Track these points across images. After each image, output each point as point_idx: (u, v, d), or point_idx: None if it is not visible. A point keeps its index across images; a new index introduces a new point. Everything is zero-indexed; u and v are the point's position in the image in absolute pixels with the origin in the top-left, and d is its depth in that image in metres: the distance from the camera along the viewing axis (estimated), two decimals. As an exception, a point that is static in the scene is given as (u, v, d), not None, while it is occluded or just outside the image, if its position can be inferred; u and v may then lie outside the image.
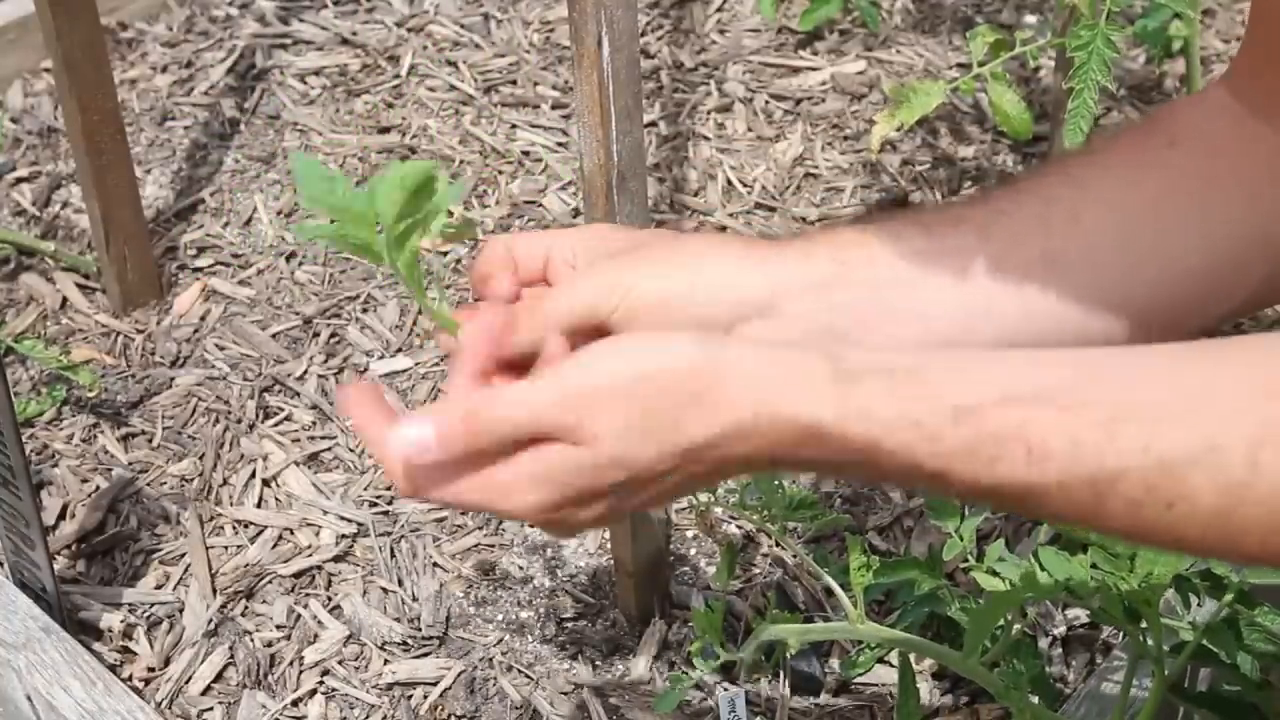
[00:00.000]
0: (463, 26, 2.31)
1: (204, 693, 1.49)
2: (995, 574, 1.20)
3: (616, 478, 0.79)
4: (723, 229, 1.97)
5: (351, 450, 1.71)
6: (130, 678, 1.50)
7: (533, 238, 0.91)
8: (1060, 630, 1.49)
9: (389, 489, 1.67)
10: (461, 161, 2.08)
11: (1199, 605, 1.21)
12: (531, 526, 0.80)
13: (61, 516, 1.66)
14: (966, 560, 1.29)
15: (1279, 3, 0.92)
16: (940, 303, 0.89)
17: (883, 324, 0.89)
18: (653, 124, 2.11)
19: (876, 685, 1.46)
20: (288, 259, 1.96)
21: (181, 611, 1.56)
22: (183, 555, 1.61)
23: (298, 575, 1.59)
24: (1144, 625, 1.15)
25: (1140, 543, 0.77)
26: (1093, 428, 0.73)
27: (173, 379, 1.80)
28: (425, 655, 1.51)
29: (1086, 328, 0.90)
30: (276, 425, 1.74)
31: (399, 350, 1.83)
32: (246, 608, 1.56)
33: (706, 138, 2.10)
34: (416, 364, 1.81)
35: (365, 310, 1.88)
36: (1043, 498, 0.75)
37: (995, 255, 0.89)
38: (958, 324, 0.89)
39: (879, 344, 0.88)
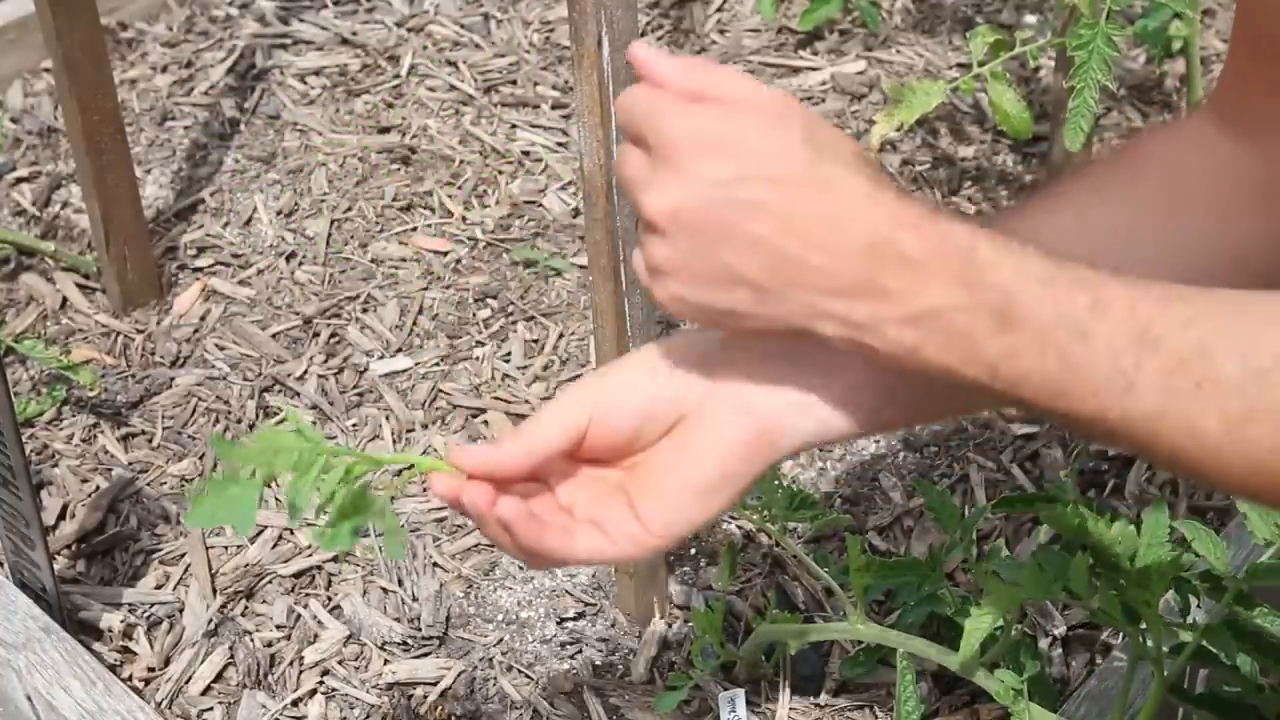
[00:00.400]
0: (463, 26, 2.31)
1: (204, 693, 1.49)
2: (995, 574, 1.20)
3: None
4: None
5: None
6: (130, 678, 1.50)
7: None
8: (1060, 630, 1.49)
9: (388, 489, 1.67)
10: (461, 161, 2.08)
11: (1199, 606, 1.21)
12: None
13: (61, 516, 1.66)
14: (966, 560, 1.29)
15: (1261, 28, 0.93)
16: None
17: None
18: (653, 124, 2.11)
19: (876, 685, 1.46)
20: (288, 259, 1.96)
21: (181, 611, 1.56)
22: (183, 555, 1.61)
23: (298, 575, 1.59)
24: (1143, 626, 1.15)
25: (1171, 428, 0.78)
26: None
27: (173, 379, 1.80)
28: (425, 655, 1.51)
29: None
30: (276, 425, 1.74)
31: (399, 350, 1.83)
32: (246, 608, 1.56)
33: (706, 138, 2.10)
34: (416, 364, 1.81)
35: (365, 310, 1.88)
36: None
37: None
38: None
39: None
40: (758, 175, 0.78)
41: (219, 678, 1.50)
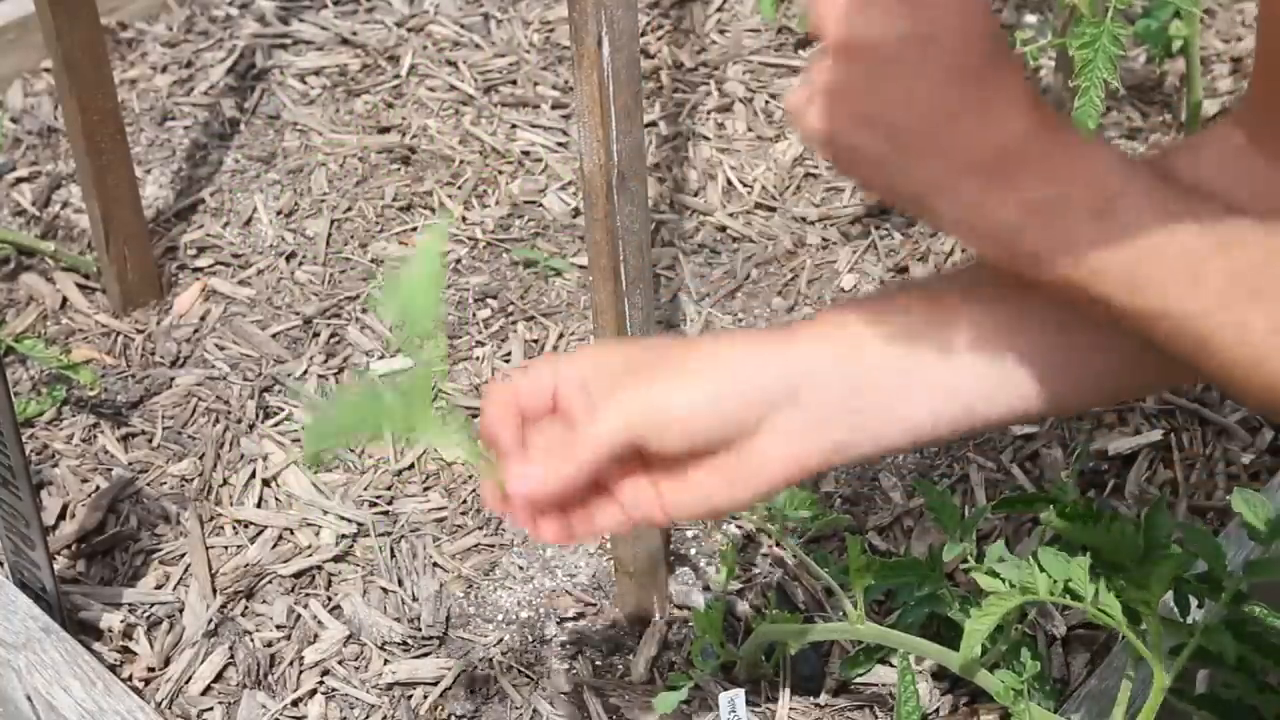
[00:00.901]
0: (463, 26, 2.31)
1: (204, 693, 1.49)
2: (995, 574, 1.20)
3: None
4: (723, 229, 1.97)
5: (351, 450, 1.71)
6: (130, 678, 1.50)
7: (535, 376, 0.95)
8: (1060, 630, 1.49)
9: (389, 489, 1.67)
10: (461, 161, 2.08)
11: (1199, 606, 1.21)
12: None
13: (61, 516, 1.66)
14: (966, 560, 1.29)
15: None
16: (960, 369, 0.94)
17: (905, 393, 0.94)
18: (653, 124, 2.11)
19: (876, 685, 1.46)
20: (288, 259, 1.96)
21: (181, 611, 1.56)
22: (183, 555, 1.61)
23: (298, 575, 1.59)
24: (1143, 626, 1.15)
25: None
26: None
27: (173, 379, 1.80)
28: (425, 655, 1.51)
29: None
30: (276, 425, 1.74)
31: (399, 350, 1.83)
32: (246, 608, 1.56)
33: (706, 138, 2.10)
34: (417, 364, 1.81)
35: (365, 310, 1.88)
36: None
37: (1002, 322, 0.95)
38: (981, 391, 0.94)
39: (903, 415, 0.94)
40: (943, 44, 0.84)
41: (219, 678, 1.50)
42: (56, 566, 1.49)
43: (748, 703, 1.39)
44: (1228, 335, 0.82)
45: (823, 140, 0.88)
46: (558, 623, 1.54)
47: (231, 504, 1.66)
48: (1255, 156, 0.98)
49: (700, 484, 0.92)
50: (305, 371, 1.80)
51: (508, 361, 1.81)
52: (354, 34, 2.30)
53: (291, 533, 1.63)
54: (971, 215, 0.86)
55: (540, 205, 2.02)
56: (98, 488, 1.68)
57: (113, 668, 1.49)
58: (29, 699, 1.40)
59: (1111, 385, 0.98)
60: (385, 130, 2.13)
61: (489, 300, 1.89)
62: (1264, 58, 1.00)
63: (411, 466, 1.69)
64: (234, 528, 1.64)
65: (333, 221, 2.01)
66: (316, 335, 1.85)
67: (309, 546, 1.62)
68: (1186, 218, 0.83)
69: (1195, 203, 0.84)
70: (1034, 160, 0.85)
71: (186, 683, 1.50)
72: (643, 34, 2.26)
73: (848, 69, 0.86)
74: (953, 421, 0.94)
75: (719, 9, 2.33)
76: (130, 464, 1.71)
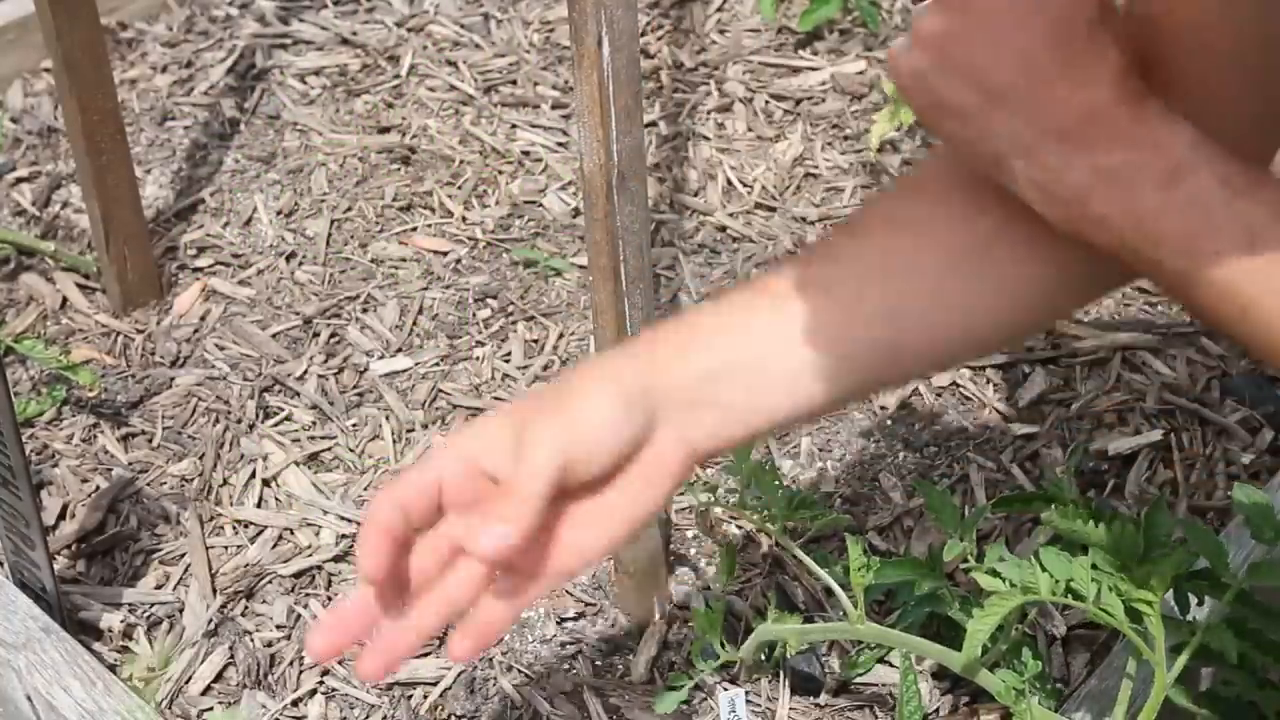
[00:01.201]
0: (463, 26, 2.31)
1: (204, 693, 1.49)
2: (995, 574, 1.20)
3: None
4: (723, 229, 1.97)
5: (351, 450, 1.71)
6: (130, 678, 1.50)
7: (414, 483, 0.90)
8: (1061, 630, 1.49)
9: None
10: (461, 161, 2.08)
11: (1199, 605, 1.21)
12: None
13: (61, 516, 1.66)
14: (966, 560, 1.29)
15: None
16: (813, 361, 0.95)
17: (771, 386, 0.95)
18: (653, 124, 2.11)
19: (876, 685, 1.46)
20: (288, 259, 1.96)
21: (181, 611, 1.56)
22: (183, 555, 1.61)
23: (298, 575, 1.59)
24: (1144, 626, 1.15)
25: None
26: None
27: (173, 379, 1.80)
28: (425, 655, 1.51)
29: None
30: (276, 425, 1.74)
31: (399, 350, 1.83)
32: (246, 608, 1.56)
33: (706, 138, 2.10)
34: (416, 364, 1.81)
35: (365, 310, 1.88)
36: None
37: (840, 318, 0.96)
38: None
39: (760, 405, 0.95)
40: (1048, 6, 0.86)
41: (219, 678, 1.50)
42: (56, 566, 1.49)
43: (747, 703, 1.39)
44: (1272, 303, 0.85)
45: (913, 87, 0.90)
46: (558, 623, 1.54)
47: (231, 504, 1.66)
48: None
49: (615, 505, 0.91)
50: (305, 371, 1.80)
51: (508, 361, 1.81)
52: (354, 34, 2.30)
53: (291, 533, 1.63)
54: (1047, 177, 0.88)
55: (540, 205, 2.02)
56: (98, 488, 1.68)
57: (113, 668, 1.49)
58: (29, 699, 1.40)
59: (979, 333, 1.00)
60: (385, 130, 2.14)
61: (489, 300, 1.89)
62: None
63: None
64: (234, 528, 1.64)
65: (333, 221, 2.01)
66: (316, 335, 1.85)
67: (309, 546, 1.62)
68: (1249, 192, 0.85)
69: (1263, 177, 0.86)
70: (1114, 127, 0.87)
71: (186, 683, 1.50)
72: (643, 34, 2.26)
73: (951, 18, 0.88)
74: (810, 402, 0.95)
75: (719, 9, 2.33)
76: (130, 464, 1.71)
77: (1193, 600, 1.21)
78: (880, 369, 0.97)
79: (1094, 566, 1.14)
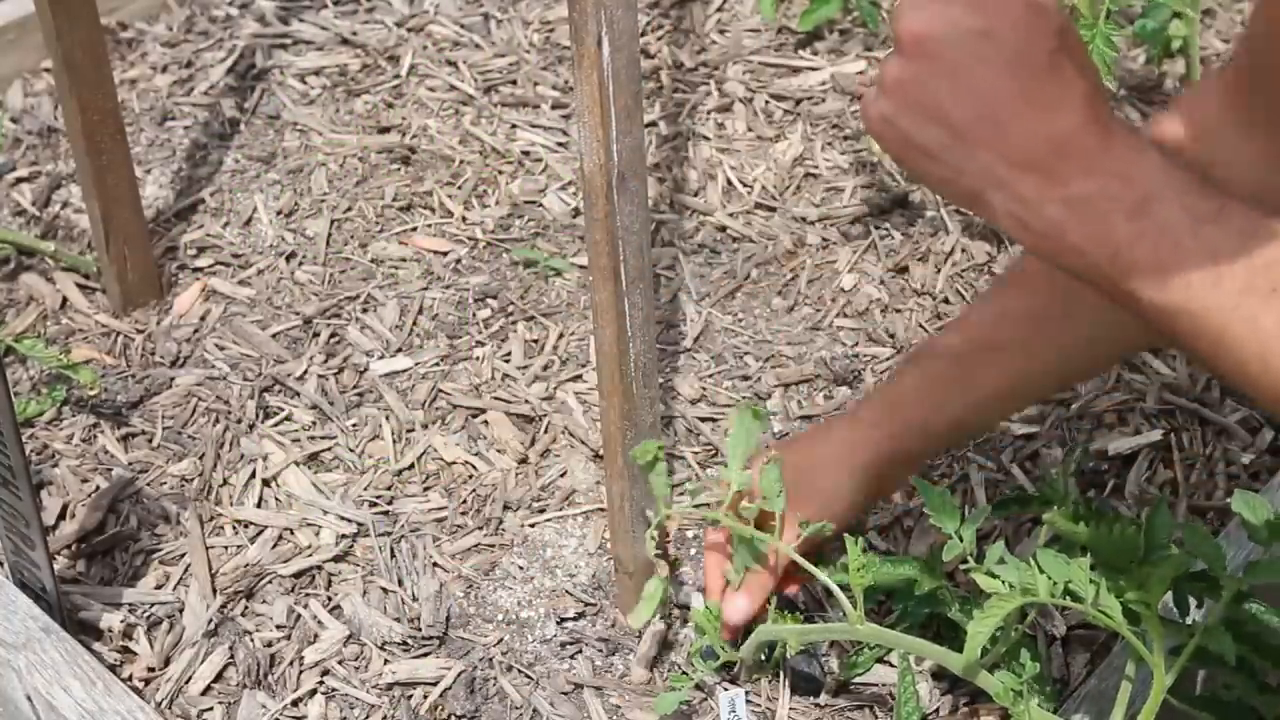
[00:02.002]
0: (463, 26, 2.31)
1: (204, 693, 1.49)
2: (995, 575, 1.20)
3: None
4: (723, 229, 1.97)
5: (351, 450, 1.71)
6: (130, 678, 1.50)
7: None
8: (1060, 631, 1.49)
9: (389, 489, 1.67)
10: (461, 161, 2.08)
11: (1198, 606, 1.21)
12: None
13: (61, 516, 1.66)
14: (966, 561, 1.29)
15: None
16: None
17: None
18: (653, 124, 2.11)
19: (876, 685, 1.46)
20: (288, 259, 1.96)
21: (181, 611, 1.56)
22: (183, 555, 1.61)
23: (298, 575, 1.59)
24: (1144, 627, 1.15)
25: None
26: None
27: (173, 379, 1.80)
28: (425, 655, 1.51)
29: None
30: (276, 425, 1.74)
31: (399, 350, 1.83)
32: (246, 608, 1.56)
33: (706, 138, 2.10)
34: (416, 364, 1.81)
35: (365, 310, 1.88)
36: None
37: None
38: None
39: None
40: (1005, 40, 0.88)
41: (219, 678, 1.50)
42: (56, 566, 1.49)
43: (747, 703, 1.39)
44: (1240, 331, 0.85)
45: (884, 132, 0.92)
46: (558, 623, 1.54)
47: (231, 504, 1.66)
48: (1226, 127, 1.05)
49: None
50: (305, 371, 1.80)
51: (508, 361, 1.81)
52: (354, 34, 2.30)
53: (291, 533, 1.63)
54: (1023, 209, 0.89)
55: (540, 205, 2.02)
56: (98, 488, 1.68)
57: (113, 668, 1.49)
58: (29, 699, 1.40)
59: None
60: (385, 130, 2.14)
61: (489, 300, 1.89)
62: (1249, 40, 1.02)
63: (411, 466, 1.69)
64: (234, 528, 1.64)
65: (333, 221, 2.01)
66: (316, 335, 1.85)
67: (309, 546, 1.62)
68: (1216, 219, 0.86)
69: (1228, 203, 0.87)
70: (1083, 157, 0.88)
71: (186, 683, 1.50)
72: (643, 34, 2.26)
73: (913, 62, 0.90)
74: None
75: (719, 9, 2.33)
76: (130, 464, 1.71)
77: (1191, 602, 1.20)
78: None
79: (1093, 568, 1.14)
